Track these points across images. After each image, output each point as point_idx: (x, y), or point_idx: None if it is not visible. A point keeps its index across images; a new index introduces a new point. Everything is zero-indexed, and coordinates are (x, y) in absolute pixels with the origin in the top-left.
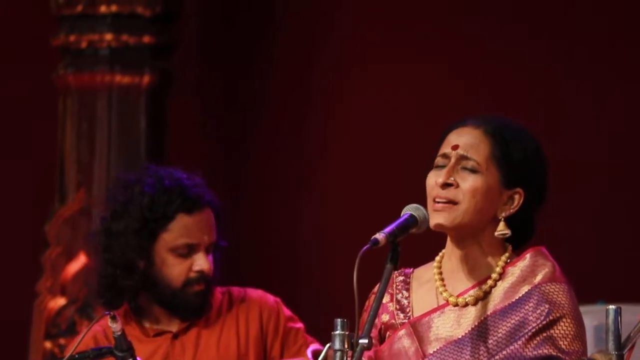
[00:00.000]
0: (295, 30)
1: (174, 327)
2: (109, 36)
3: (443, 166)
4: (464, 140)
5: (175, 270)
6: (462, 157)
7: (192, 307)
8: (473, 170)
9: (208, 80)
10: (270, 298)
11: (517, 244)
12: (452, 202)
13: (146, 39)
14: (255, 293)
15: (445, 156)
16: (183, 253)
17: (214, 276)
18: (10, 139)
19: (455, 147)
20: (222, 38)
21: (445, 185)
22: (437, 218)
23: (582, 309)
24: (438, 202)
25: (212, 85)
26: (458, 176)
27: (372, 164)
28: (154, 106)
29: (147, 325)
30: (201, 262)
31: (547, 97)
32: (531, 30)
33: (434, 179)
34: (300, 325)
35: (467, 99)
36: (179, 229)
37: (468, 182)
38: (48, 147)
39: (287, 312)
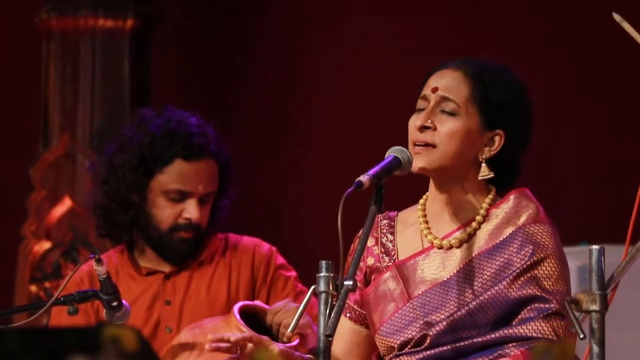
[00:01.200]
0: None
1: (167, 267)
2: None
3: (423, 109)
4: (444, 83)
5: (164, 213)
6: (442, 99)
7: (177, 252)
8: (452, 113)
9: (191, 24)
10: (265, 246)
11: (502, 186)
12: (430, 145)
13: None
14: (250, 241)
15: (425, 98)
16: (175, 198)
17: (209, 225)
18: None
19: (434, 90)
20: None
21: (423, 128)
22: (416, 161)
23: (566, 250)
24: (417, 145)
25: (194, 29)
26: (436, 119)
27: (357, 107)
28: (138, 50)
29: (141, 264)
30: (191, 211)
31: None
32: None
33: (412, 122)
34: (292, 273)
35: (454, 42)
36: (174, 173)
37: (446, 126)
38: (32, 92)
39: (279, 260)
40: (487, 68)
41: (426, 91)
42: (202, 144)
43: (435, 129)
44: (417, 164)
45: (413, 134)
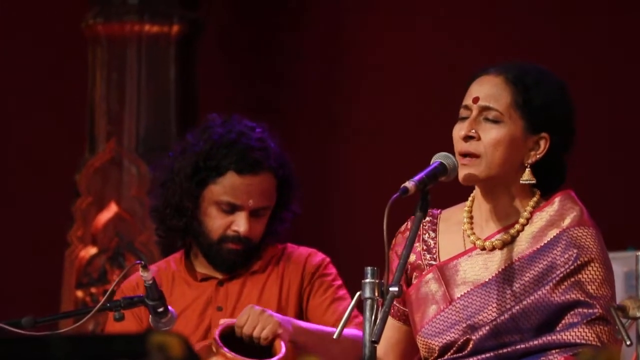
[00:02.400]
0: None
1: (220, 274)
2: None
3: (466, 118)
4: (485, 91)
5: (215, 223)
6: (484, 108)
7: (226, 262)
8: (495, 121)
9: (237, 29)
10: (318, 257)
11: (547, 189)
12: (475, 156)
13: None
14: (305, 251)
15: (467, 108)
16: (226, 209)
17: (266, 236)
18: (41, 89)
19: (475, 100)
20: None
21: (467, 138)
22: (462, 172)
23: (612, 255)
24: (462, 156)
25: (240, 34)
26: (480, 128)
27: (403, 111)
28: (183, 55)
29: (197, 269)
30: (240, 224)
31: (580, 42)
32: None
33: (457, 132)
34: (336, 282)
35: (499, 48)
36: (226, 186)
37: (490, 134)
38: (78, 98)
39: (328, 269)
40: (527, 71)
41: (467, 101)
42: (258, 158)
43: (479, 138)
44: (462, 174)
45: (458, 143)
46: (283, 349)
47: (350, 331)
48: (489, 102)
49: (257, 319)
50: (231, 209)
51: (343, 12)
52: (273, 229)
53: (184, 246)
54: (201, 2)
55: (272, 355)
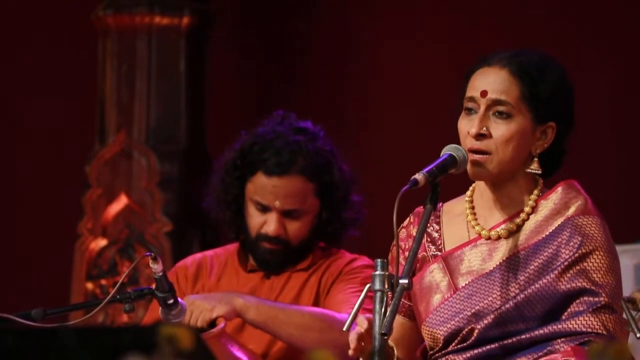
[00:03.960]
0: None
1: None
2: None
3: (471, 109)
4: (492, 84)
5: (252, 220)
6: (494, 102)
7: (264, 260)
8: (506, 115)
9: (247, 22)
10: (360, 261)
11: (547, 173)
12: (487, 153)
13: None
14: (350, 257)
15: (474, 100)
16: (259, 208)
17: (313, 238)
18: (51, 80)
19: (484, 94)
20: None
21: (479, 136)
22: (474, 170)
23: (622, 247)
24: (473, 153)
25: (251, 27)
26: (490, 124)
27: (409, 107)
28: (194, 48)
29: (250, 260)
30: (270, 224)
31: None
32: None
33: (466, 128)
34: (361, 277)
35: (499, 43)
36: (257, 185)
37: (500, 131)
38: (88, 89)
39: (363, 271)
40: (530, 61)
41: (474, 93)
42: (286, 161)
43: (490, 135)
44: (474, 171)
45: (467, 139)
46: (218, 327)
47: (317, 309)
48: (500, 96)
49: (189, 309)
50: (262, 208)
51: (354, 4)
52: (320, 232)
53: (238, 240)
54: None
55: None
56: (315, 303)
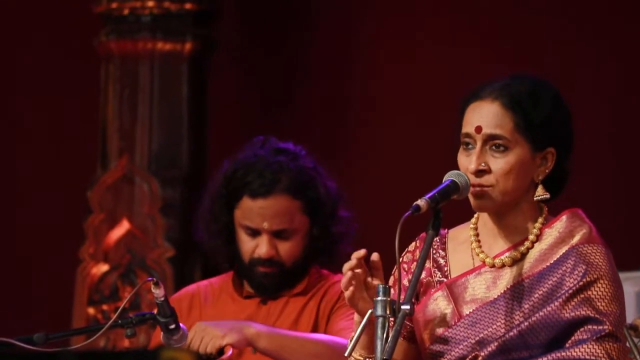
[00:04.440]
0: None
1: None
2: (151, 3)
3: (469, 144)
4: (486, 119)
5: (244, 246)
6: (490, 137)
7: (261, 284)
8: (503, 148)
9: (249, 47)
10: None
11: (551, 197)
12: (488, 187)
13: (188, 5)
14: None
15: (469, 136)
16: (249, 233)
17: (307, 259)
18: (53, 105)
19: (479, 130)
20: (263, 4)
21: (479, 173)
22: (477, 203)
23: (625, 275)
24: (474, 187)
25: (253, 52)
26: (488, 159)
27: (414, 133)
28: (196, 73)
29: (246, 287)
30: (262, 247)
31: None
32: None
33: (465, 164)
34: None
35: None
36: (244, 210)
37: (499, 164)
38: (90, 114)
39: None
40: (520, 91)
41: (469, 129)
42: (268, 181)
43: (490, 170)
44: (477, 207)
45: (467, 175)
46: (226, 355)
47: (326, 337)
48: (494, 130)
49: (200, 335)
50: (252, 232)
51: (354, 28)
52: (312, 250)
53: (231, 268)
54: (214, 20)
55: None
56: (314, 328)
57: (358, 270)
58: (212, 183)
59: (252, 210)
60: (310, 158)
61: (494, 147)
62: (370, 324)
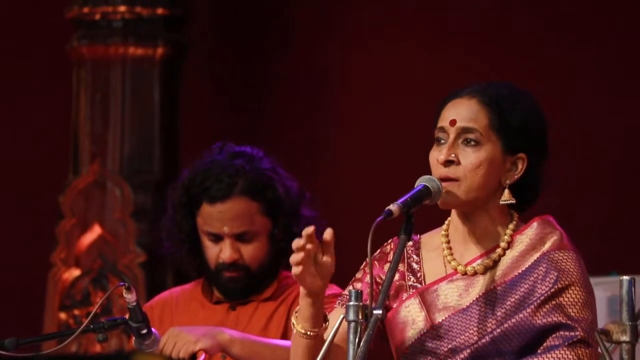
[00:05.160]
0: (309, 3)
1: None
2: (122, 8)
3: (441, 139)
4: (461, 113)
5: (208, 252)
6: (463, 130)
7: (228, 289)
8: (475, 142)
9: (221, 52)
10: (327, 291)
11: (521, 209)
12: (454, 180)
13: (159, 10)
14: None
15: (444, 130)
16: (211, 239)
17: (273, 260)
18: (25, 110)
19: (453, 122)
20: (235, 9)
21: (447, 163)
22: (442, 198)
23: (596, 280)
24: (442, 181)
25: (225, 57)
26: (459, 152)
27: (385, 138)
28: (168, 78)
29: (215, 292)
30: (225, 251)
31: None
32: None
33: (435, 157)
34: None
35: (481, 69)
36: (204, 216)
37: (469, 158)
38: (62, 119)
39: (334, 303)
40: (500, 93)
41: (444, 123)
42: (224, 185)
43: (459, 162)
44: (443, 200)
45: (436, 168)
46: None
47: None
48: (468, 123)
49: (173, 340)
50: (215, 238)
51: (328, 36)
52: (278, 251)
53: (200, 275)
54: (185, 25)
55: None
56: (284, 334)
57: (309, 246)
58: (172, 192)
59: (211, 215)
60: (268, 160)
61: (465, 142)
62: (315, 297)
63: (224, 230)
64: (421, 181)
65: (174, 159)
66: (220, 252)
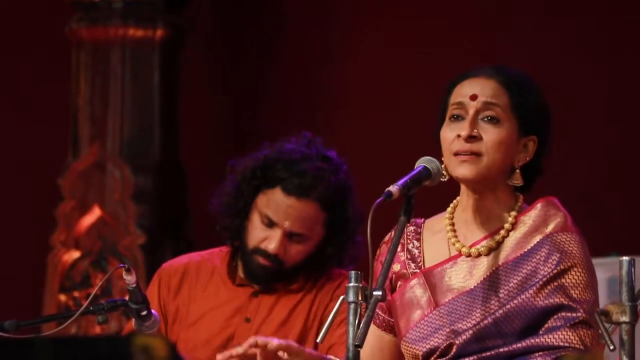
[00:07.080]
0: None
1: (258, 284)
2: None
3: (458, 116)
4: (482, 89)
5: (254, 232)
6: (485, 106)
7: (256, 274)
8: (495, 120)
9: (221, 33)
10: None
11: (524, 189)
12: (477, 154)
13: None
14: (337, 278)
15: (462, 106)
16: (265, 222)
17: (310, 265)
18: (24, 93)
19: (474, 97)
20: None
21: (470, 138)
22: (463, 170)
23: (596, 261)
24: (462, 154)
25: (225, 38)
26: (480, 128)
27: (386, 118)
28: (168, 60)
29: (240, 273)
30: (272, 242)
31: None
32: None
33: (453, 132)
34: None
35: (482, 52)
36: (271, 200)
37: (491, 135)
38: (62, 101)
39: None
40: (514, 75)
41: (462, 99)
42: (307, 185)
43: (481, 138)
44: (462, 172)
45: (455, 143)
46: None
47: None
48: (491, 99)
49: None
50: (269, 223)
51: (328, 17)
52: (316, 261)
53: (232, 247)
54: (185, 7)
55: None
56: (304, 327)
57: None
58: (247, 160)
59: (280, 205)
60: (349, 175)
61: (486, 119)
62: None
63: (284, 224)
64: (421, 162)
65: (174, 141)
66: (266, 239)
